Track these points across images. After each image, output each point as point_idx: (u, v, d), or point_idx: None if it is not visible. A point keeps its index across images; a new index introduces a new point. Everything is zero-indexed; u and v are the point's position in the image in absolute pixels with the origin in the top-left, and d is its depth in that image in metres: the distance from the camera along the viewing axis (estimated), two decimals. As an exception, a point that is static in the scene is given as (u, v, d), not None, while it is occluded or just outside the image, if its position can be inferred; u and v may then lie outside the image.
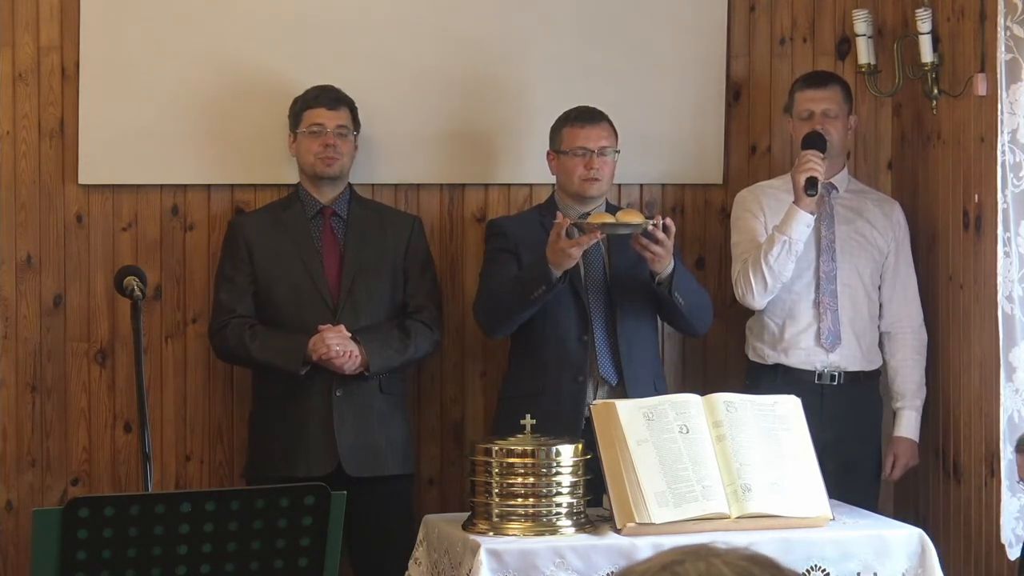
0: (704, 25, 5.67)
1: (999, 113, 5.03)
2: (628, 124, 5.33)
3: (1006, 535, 5.07)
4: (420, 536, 4.64)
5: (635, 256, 5.01)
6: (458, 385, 5.61)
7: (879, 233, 5.44)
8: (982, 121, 5.19)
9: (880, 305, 5.44)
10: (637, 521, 4.33)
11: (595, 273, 5.16)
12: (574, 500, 4.42)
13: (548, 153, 5.26)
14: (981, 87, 5.17)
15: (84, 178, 5.32)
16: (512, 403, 5.02)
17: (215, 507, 3.47)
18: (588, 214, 5.07)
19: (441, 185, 5.57)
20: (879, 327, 5.43)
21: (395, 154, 5.50)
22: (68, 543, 3.37)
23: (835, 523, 4.52)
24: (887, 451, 5.42)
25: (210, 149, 5.38)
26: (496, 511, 4.40)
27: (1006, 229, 5.03)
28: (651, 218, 4.95)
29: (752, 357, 5.45)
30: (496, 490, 4.40)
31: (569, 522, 4.40)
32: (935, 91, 5.46)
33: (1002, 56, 5.01)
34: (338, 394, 5.11)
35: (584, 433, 4.73)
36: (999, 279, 5.04)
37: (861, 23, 5.61)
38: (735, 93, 5.74)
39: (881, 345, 5.44)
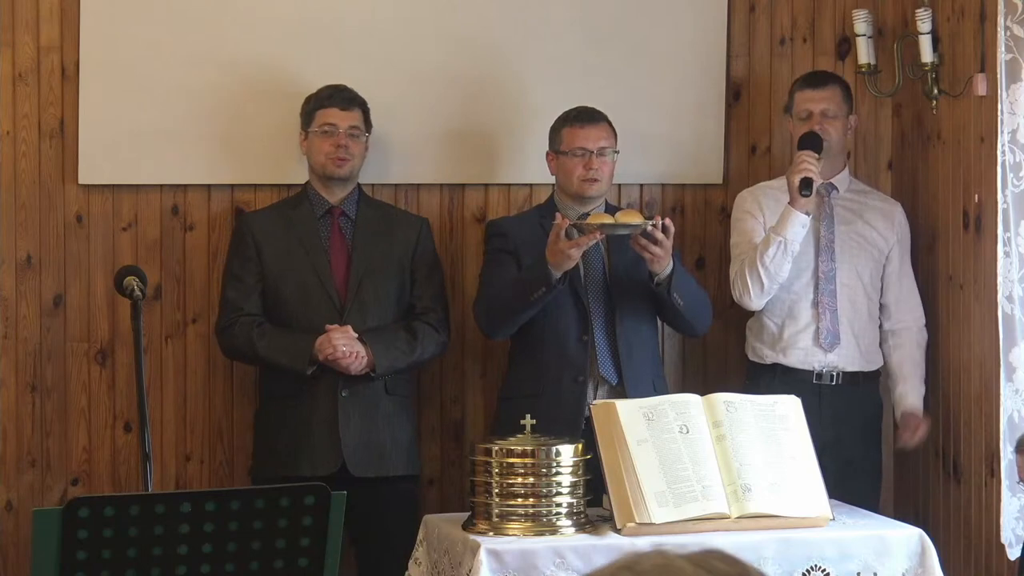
0: (704, 25, 5.67)
1: (999, 113, 5.03)
2: (628, 124, 5.33)
3: (1006, 535, 5.07)
4: (420, 536, 4.64)
5: (635, 256, 5.01)
6: (458, 385, 5.61)
7: (879, 234, 5.43)
8: (982, 121, 5.18)
9: (882, 306, 5.43)
10: (637, 521, 4.33)
11: (595, 273, 5.16)
12: (574, 500, 4.42)
13: (547, 153, 5.25)
14: (981, 87, 5.17)
15: (84, 178, 5.32)
16: (512, 403, 5.02)
17: (215, 507, 3.46)
18: (587, 214, 5.06)
19: (441, 185, 5.57)
20: (882, 327, 5.43)
21: (395, 154, 5.49)
22: (68, 543, 3.37)
23: (835, 523, 4.52)
24: (899, 428, 5.39)
25: (210, 149, 5.38)
26: (496, 511, 4.40)
27: (1006, 229, 5.03)
28: (650, 218, 4.95)
29: (751, 357, 5.44)
30: (496, 490, 4.40)
31: (569, 522, 4.40)
32: (935, 91, 5.46)
33: (1002, 56, 5.01)
34: (344, 394, 5.11)
35: (584, 433, 4.73)
36: (999, 279, 5.04)
37: (861, 23, 5.61)
38: (735, 93, 5.74)
39: (882, 344, 5.44)
